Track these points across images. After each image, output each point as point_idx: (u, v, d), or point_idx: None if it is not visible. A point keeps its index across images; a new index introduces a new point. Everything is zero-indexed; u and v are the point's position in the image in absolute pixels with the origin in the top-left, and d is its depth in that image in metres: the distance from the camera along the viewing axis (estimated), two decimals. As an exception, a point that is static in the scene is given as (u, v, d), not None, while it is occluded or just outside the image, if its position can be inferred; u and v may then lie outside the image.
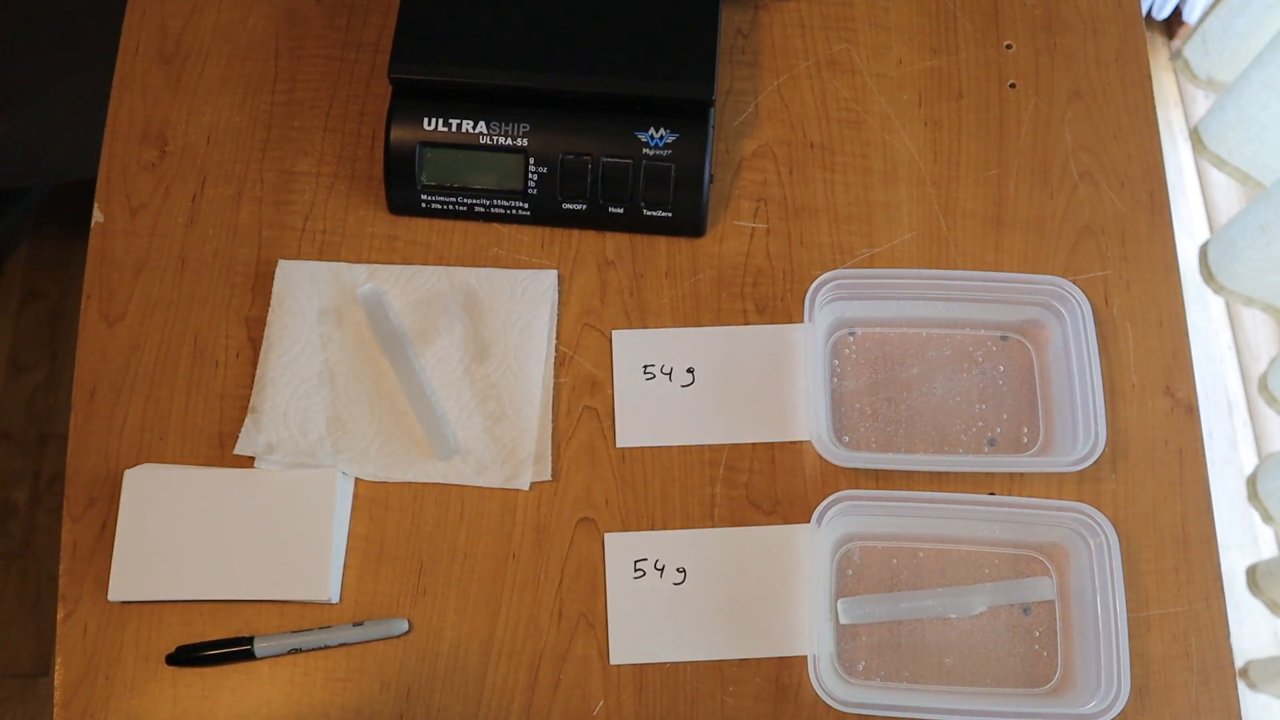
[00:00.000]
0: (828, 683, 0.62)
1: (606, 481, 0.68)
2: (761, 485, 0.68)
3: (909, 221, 0.74)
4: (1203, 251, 1.14)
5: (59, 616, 0.65)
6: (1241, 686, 1.10)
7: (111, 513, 0.66)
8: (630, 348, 0.70)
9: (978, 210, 0.74)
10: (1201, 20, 1.21)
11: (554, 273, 0.71)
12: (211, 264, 0.72)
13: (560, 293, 0.71)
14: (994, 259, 0.73)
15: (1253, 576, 1.18)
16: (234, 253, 0.72)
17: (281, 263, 0.71)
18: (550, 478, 0.68)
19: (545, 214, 0.72)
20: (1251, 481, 1.13)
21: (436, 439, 0.67)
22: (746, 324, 0.71)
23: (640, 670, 0.65)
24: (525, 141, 0.70)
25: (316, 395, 0.68)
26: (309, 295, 0.70)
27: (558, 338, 0.70)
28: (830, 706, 0.62)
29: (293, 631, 0.64)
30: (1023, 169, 0.75)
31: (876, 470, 0.68)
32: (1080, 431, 0.67)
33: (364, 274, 0.71)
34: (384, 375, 0.69)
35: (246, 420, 0.68)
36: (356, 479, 0.67)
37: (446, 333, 0.69)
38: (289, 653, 0.64)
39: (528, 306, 0.70)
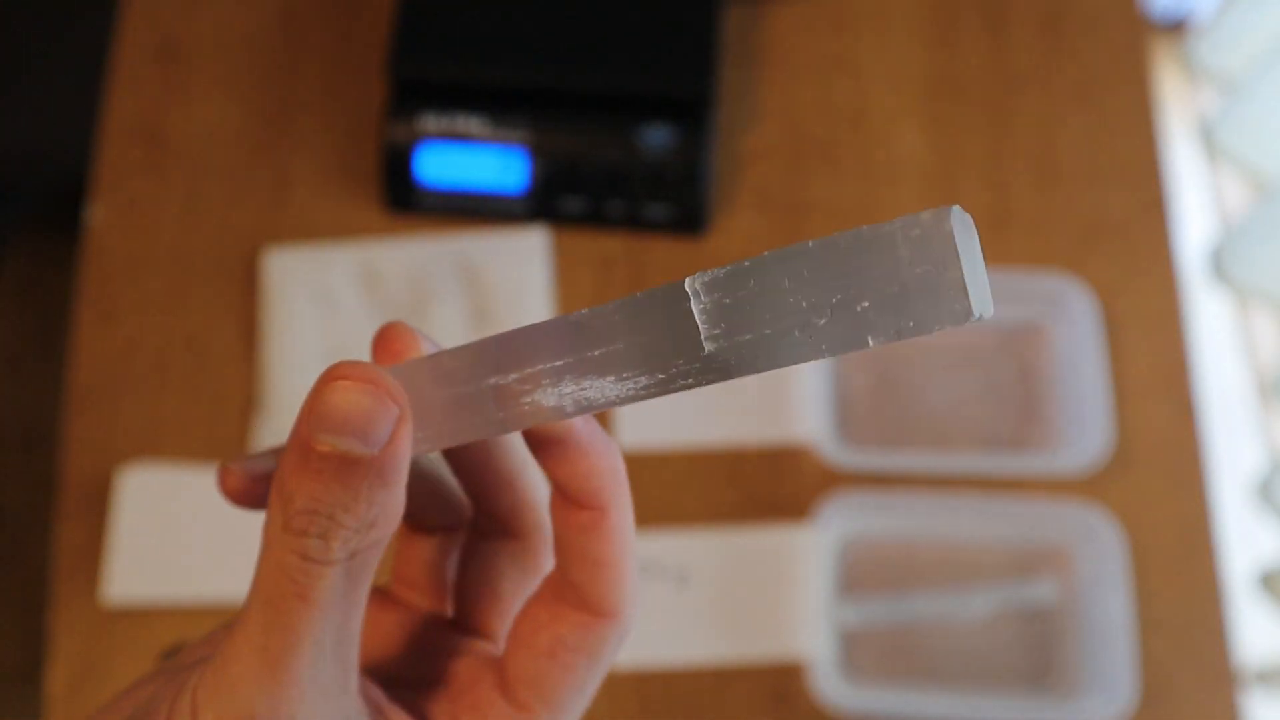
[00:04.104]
0: (828, 685, 0.61)
1: (605, 482, 0.67)
2: (762, 485, 0.67)
3: (911, 220, 0.73)
4: (1212, 249, 1.13)
5: (51, 619, 0.64)
6: (1246, 688, 1.10)
7: (106, 513, 0.65)
8: (629, 347, 0.70)
9: (980, 209, 0.73)
10: (1206, 18, 1.20)
11: (541, 229, 0.71)
12: (208, 263, 0.71)
13: (559, 291, 0.71)
14: (996, 258, 0.72)
15: (1266, 579, 1.17)
16: (230, 251, 0.71)
17: (270, 252, 0.71)
18: None
19: (544, 212, 0.71)
20: (1261, 482, 1.12)
21: None
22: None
23: (640, 671, 0.64)
24: (524, 139, 0.69)
25: None
26: (301, 282, 0.70)
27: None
28: (831, 709, 0.62)
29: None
30: (1025, 167, 0.74)
31: (878, 471, 0.67)
32: (1084, 431, 0.67)
33: (353, 255, 0.71)
34: None
35: (256, 418, 0.67)
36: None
37: (446, 300, 0.69)
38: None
39: (519, 264, 0.70)
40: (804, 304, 0.19)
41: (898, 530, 0.67)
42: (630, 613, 0.26)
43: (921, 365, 0.71)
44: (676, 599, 0.65)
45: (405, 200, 0.71)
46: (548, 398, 0.22)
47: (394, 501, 0.23)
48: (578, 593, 0.26)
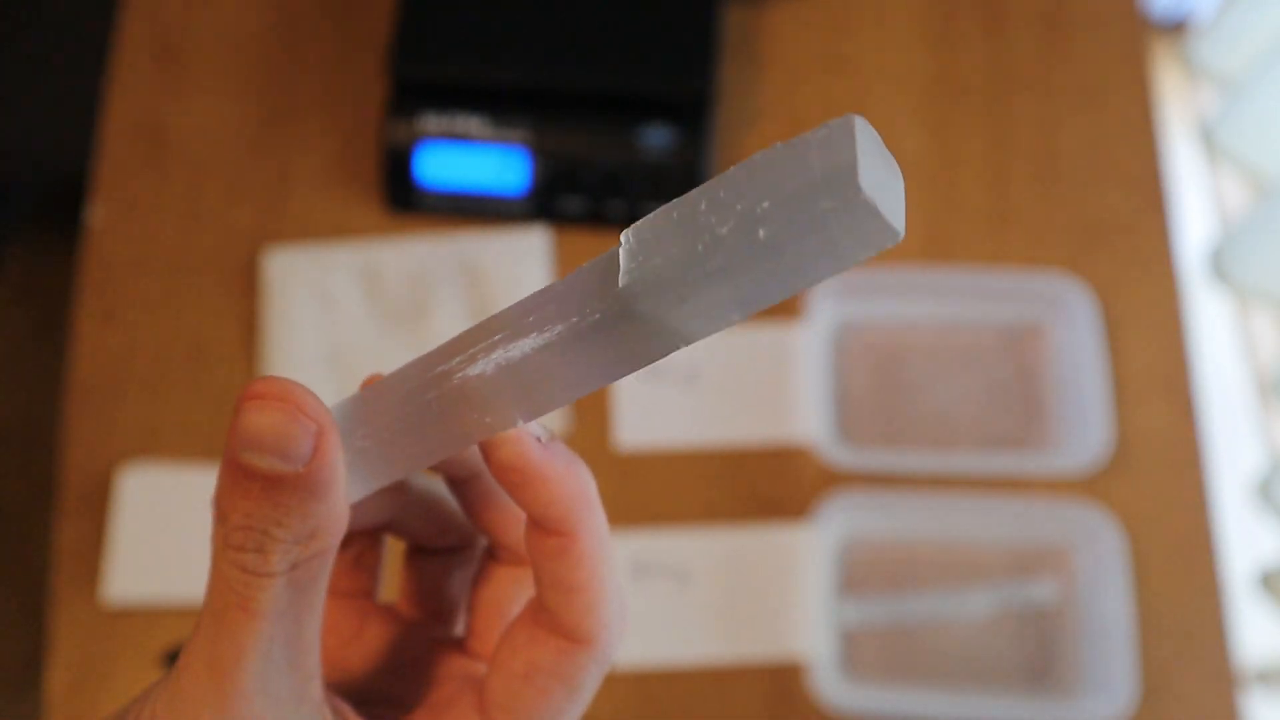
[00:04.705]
0: (828, 685, 0.61)
1: (606, 481, 0.67)
2: (761, 485, 0.67)
3: (910, 220, 0.73)
4: (1212, 249, 1.13)
5: (51, 619, 0.64)
6: (1246, 688, 1.10)
7: (106, 514, 0.65)
8: (629, 347, 0.70)
9: (980, 209, 0.73)
10: (1206, 18, 1.20)
11: (541, 229, 0.71)
12: (208, 262, 0.71)
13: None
14: (996, 258, 0.72)
15: (1266, 579, 1.17)
16: (230, 251, 0.71)
17: (270, 252, 0.71)
18: (569, 423, 0.67)
19: (545, 212, 0.71)
20: (1261, 482, 1.12)
21: None
22: (747, 323, 0.70)
23: (640, 671, 0.64)
24: (525, 139, 0.69)
25: (326, 383, 0.68)
26: (301, 282, 0.70)
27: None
28: (831, 709, 0.62)
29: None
30: (1025, 167, 0.74)
31: (878, 471, 0.67)
32: (1083, 431, 0.67)
33: (353, 255, 0.71)
34: (390, 353, 0.68)
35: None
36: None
37: (446, 300, 0.69)
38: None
39: (519, 264, 0.70)
40: (712, 219, 0.19)
41: (898, 530, 0.67)
42: (607, 640, 0.26)
43: (922, 365, 0.71)
44: (676, 599, 0.65)
45: (405, 200, 0.71)
46: (475, 368, 0.22)
47: (331, 514, 0.22)
48: (552, 618, 0.26)
